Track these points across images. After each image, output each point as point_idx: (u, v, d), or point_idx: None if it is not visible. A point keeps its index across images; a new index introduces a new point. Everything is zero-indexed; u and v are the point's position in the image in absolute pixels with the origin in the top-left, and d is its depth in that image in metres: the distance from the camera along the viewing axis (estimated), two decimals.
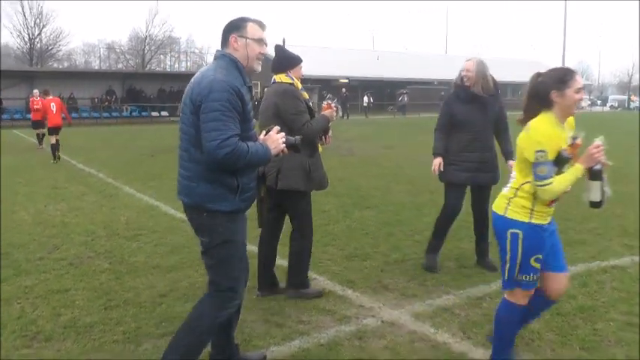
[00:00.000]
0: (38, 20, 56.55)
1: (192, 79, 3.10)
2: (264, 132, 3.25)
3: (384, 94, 52.33)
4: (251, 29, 3.11)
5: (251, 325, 4.05)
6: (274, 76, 4.64)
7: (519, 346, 3.77)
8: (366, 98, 44.41)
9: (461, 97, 5.22)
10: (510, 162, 5.17)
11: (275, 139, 3.13)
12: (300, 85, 4.64)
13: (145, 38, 63.67)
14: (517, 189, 3.25)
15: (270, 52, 4.39)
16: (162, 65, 68.66)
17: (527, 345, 3.82)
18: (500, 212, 3.28)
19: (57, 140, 14.38)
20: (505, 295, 3.37)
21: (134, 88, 35.25)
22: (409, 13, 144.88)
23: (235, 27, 3.11)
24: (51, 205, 8.37)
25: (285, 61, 4.64)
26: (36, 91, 16.71)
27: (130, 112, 33.99)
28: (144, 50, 63.77)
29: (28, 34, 56.61)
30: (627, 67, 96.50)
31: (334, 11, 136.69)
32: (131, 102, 34.50)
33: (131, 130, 25.69)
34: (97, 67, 62.43)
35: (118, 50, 67.77)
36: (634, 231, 6.92)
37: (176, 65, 70.68)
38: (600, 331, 4.06)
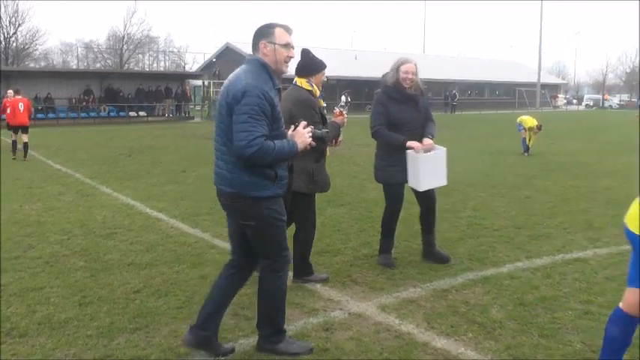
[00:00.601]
0: (13, 19, 55.82)
1: (226, 82, 3.42)
2: (292, 127, 3.51)
3: (362, 94, 52.55)
4: (279, 35, 3.38)
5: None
6: (296, 78, 4.74)
7: (480, 335, 3.94)
8: (343, 97, 44.57)
9: (395, 98, 5.23)
10: (425, 139, 5.22)
11: (302, 134, 3.44)
12: (318, 93, 4.76)
13: (123, 37, 63.18)
14: None
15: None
16: (140, 65, 68.21)
17: (488, 333, 3.97)
18: (637, 232, 2.97)
19: (21, 142, 14.54)
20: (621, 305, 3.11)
21: (112, 88, 34.90)
22: (388, 13, 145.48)
23: (264, 34, 3.39)
24: (26, 205, 8.37)
25: (310, 66, 4.73)
26: (10, 92, 16.59)
27: (108, 113, 33.67)
28: (122, 49, 63.28)
29: (3, 33, 55.82)
30: (601, 66, 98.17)
31: (312, 10, 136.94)
32: (109, 102, 34.18)
33: (109, 131, 25.52)
34: (74, 67, 61.70)
35: (96, 49, 67.20)
36: (598, 225, 7.15)
37: (154, 65, 70.29)
38: (559, 319, 4.24)
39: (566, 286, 4.92)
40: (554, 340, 3.90)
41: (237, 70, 3.45)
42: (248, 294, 4.51)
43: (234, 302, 4.42)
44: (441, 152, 5.29)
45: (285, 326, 3.73)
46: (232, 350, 3.66)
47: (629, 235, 3.06)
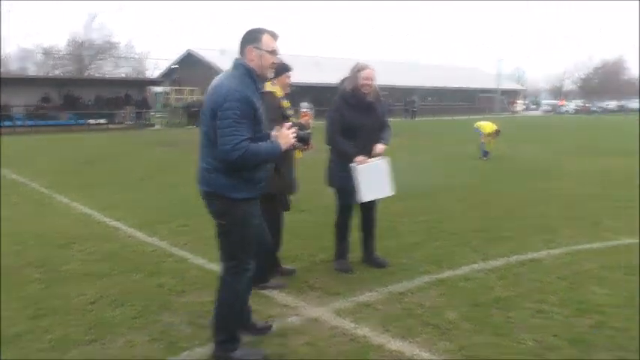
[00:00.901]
0: None
1: (210, 86, 3.52)
2: (277, 127, 3.59)
3: (323, 100, 52.72)
4: (266, 41, 3.48)
5: (177, 327, 4.13)
6: None
7: (435, 336, 4.00)
8: (306, 104, 44.60)
9: (352, 104, 5.26)
10: (378, 145, 5.30)
11: (285, 135, 3.52)
12: (280, 94, 4.77)
13: (83, 43, 62.05)
14: None
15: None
16: (101, 71, 66.99)
17: (443, 334, 4.05)
18: None
19: None
20: None
21: (71, 95, 34.30)
22: (349, 18, 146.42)
23: (252, 39, 3.48)
24: None
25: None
26: None
27: (67, 120, 33.06)
28: (82, 55, 62.11)
29: None
30: (559, 73, 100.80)
31: (273, 15, 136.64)
32: (68, 109, 33.55)
33: (68, 139, 25.04)
34: (33, 74, 60.16)
35: (56, 56, 65.71)
36: (553, 226, 7.35)
37: (115, 71, 69.11)
38: (513, 318, 4.35)
39: (520, 287, 5.04)
40: (507, 338, 3.99)
41: (222, 74, 3.55)
42: (205, 302, 4.51)
43: (190, 311, 4.44)
44: (380, 163, 5.29)
45: (240, 334, 3.74)
46: (269, 327, 4.02)
47: None
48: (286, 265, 5.32)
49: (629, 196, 9.58)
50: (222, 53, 44.72)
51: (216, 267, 4.84)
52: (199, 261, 5.78)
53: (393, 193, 5.45)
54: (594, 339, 4.00)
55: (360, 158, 5.18)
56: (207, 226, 6.33)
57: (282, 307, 4.56)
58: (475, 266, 5.61)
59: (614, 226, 7.36)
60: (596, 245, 6.46)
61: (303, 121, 4.85)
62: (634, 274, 5.43)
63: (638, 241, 6.59)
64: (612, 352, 3.82)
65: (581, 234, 6.95)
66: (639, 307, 4.53)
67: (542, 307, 4.56)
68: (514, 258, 5.91)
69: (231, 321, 3.65)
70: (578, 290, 4.97)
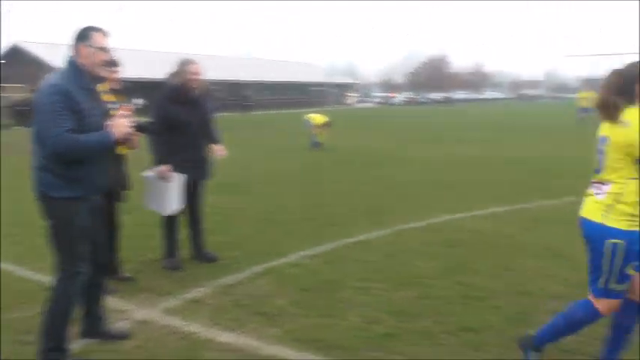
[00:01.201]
0: None
1: None
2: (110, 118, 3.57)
3: (153, 96, 50.82)
4: (96, 38, 3.48)
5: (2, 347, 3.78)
6: None
7: (263, 324, 4.08)
8: (140, 100, 42.84)
9: (179, 100, 5.21)
10: (219, 149, 5.45)
11: (120, 124, 3.46)
12: (103, 88, 4.48)
13: None
14: (618, 193, 2.99)
15: None
16: None
17: (271, 321, 4.14)
18: (597, 220, 3.03)
19: None
20: (591, 298, 3.18)
21: None
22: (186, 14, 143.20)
23: (82, 36, 3.49)
24: None
25: None
26: None
27: None
28: None
29: None
30: (387, 67, 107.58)
31: (105, 9, 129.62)
32: None
33: None
34: None
35: None
36: (384, 210, 7.84)
37: None
38: (340, 298, 4.57)
39: (347, 268, 5.30)
40: (333, 318, 4.19)
41: (54, 71, 3.53)
42: (32, 316, 4.11)
43: (16, 328, 4.06)
44: (169, 183, 5.19)
45: (69, 344, 3.54)
46: (126, 336, 3.88)
47: (590, 227, 3.11)
48: (124, 273, 5.09)
49: (453, 179, 10.51)
50: (50, 47, 41.40)
51: (44, 277, 4.53)
52: (25, 273, 5.29)
53: (173, 214, 5.38)
54: (416, 309, 4.34)
55: (162, 168, 5.10)
56: (34, 234, 5.89)
57: (111, 312, 4.30)
58: (303, 253, 5.78)
59: (438, 206, 8.04)
60: (421, 224, 7.00)
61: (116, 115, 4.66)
62: (453, 246, 5.97)
63: (455, 216, 7.26)
64: (432, 318, 4.17)
65: (408, 215, 7.47)
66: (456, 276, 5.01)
67: (367, 285, 4.84)
68: (342, 242, 6.19)
69: (61, 328, 3.49)
70: (402, 266, 5.35)
